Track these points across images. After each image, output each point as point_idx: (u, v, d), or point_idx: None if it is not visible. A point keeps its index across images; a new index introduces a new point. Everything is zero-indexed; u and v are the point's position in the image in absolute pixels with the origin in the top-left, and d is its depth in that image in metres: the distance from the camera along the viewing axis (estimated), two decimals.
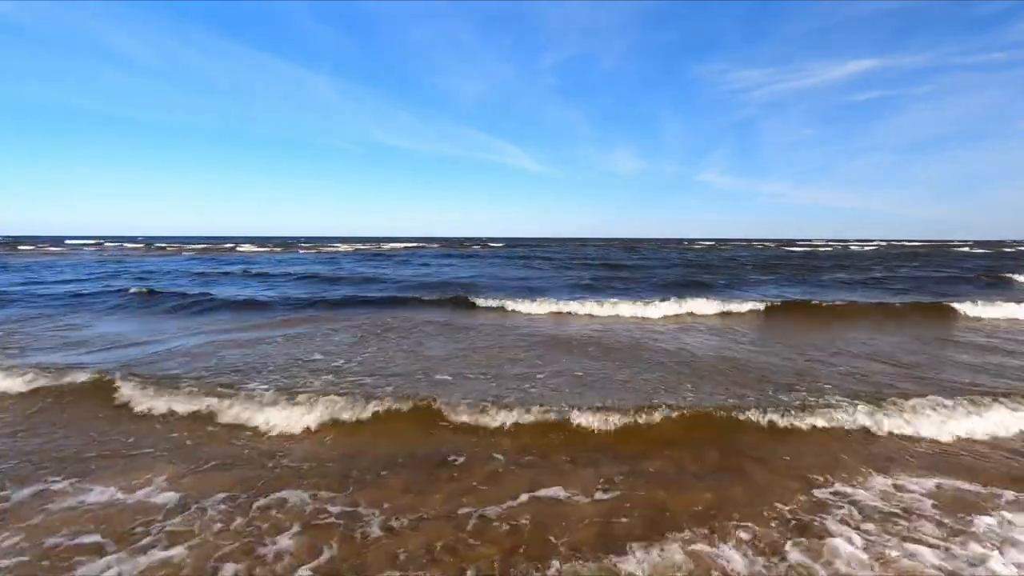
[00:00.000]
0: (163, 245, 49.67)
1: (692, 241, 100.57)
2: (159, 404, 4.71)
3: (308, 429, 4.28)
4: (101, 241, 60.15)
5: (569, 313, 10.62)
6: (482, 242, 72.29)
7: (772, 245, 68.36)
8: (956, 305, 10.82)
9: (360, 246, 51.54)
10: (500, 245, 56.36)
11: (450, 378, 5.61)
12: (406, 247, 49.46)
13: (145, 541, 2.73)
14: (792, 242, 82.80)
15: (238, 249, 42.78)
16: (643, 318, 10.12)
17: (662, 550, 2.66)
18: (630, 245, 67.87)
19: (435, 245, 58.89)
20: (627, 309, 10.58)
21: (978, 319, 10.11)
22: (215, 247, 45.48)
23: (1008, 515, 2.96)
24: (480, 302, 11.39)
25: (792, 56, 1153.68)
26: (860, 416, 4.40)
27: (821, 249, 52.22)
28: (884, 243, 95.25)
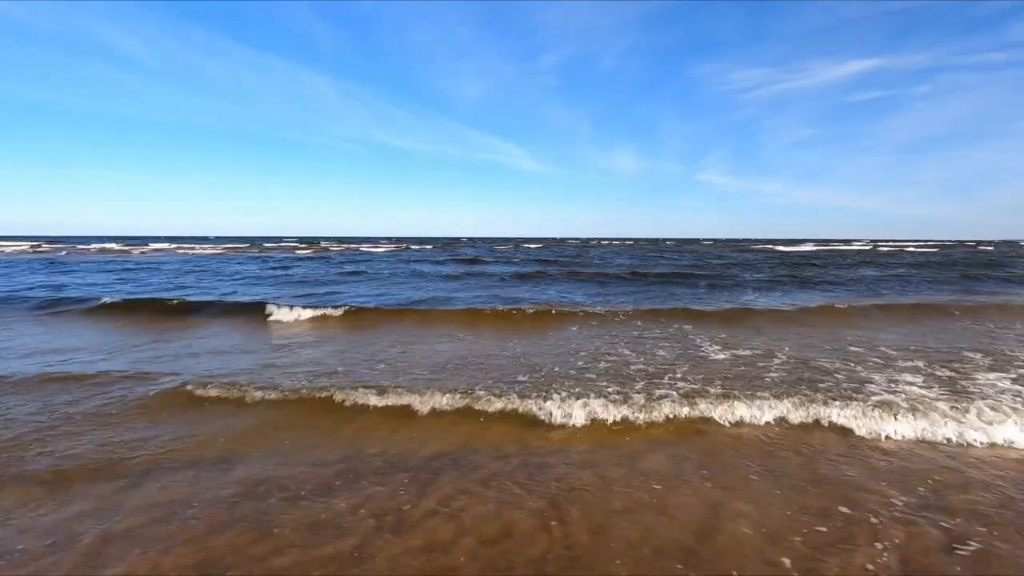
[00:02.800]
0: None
1: (729, 242, 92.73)
2: None
3: None
4: None
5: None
6: (488, 243, 66.02)
7: (811, 248, 61.27)
8: None
9: (341, 246, 46.89)
10: (508, 247, 49.86)
11: None
12: (376, 247, 43.17)
13: None
14: (799, 241, 75.08)
15: (192, 250, 36.24)
16: None
17: None
18: (645, 245, 59.95)
19: (429, 246, 52.75)
20: None
21: None
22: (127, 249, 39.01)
23: None
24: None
25: (792, 56, 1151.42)
26: None
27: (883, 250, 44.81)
28: (921, 242, 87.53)
